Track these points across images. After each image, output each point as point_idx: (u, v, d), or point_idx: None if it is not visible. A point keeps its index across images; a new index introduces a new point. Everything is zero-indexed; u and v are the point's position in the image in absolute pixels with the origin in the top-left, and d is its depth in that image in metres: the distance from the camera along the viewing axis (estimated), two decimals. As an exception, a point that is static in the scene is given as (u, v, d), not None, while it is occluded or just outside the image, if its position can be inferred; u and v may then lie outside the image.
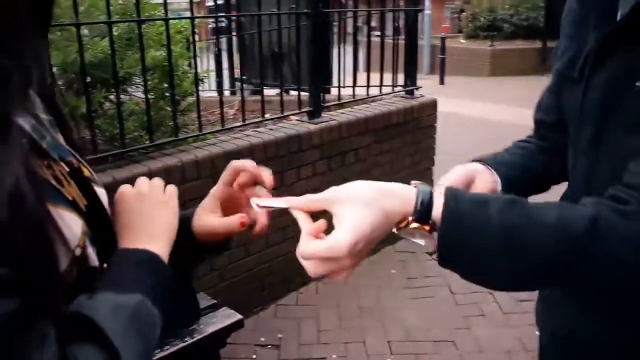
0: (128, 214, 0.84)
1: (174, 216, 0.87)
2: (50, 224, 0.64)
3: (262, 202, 0.88)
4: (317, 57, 3.43)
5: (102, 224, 0.84)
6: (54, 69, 2.93)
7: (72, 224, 0.70)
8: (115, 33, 2.83)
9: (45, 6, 0.79)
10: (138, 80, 3.22)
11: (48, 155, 0.72)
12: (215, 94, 6.69)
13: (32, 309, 0.58)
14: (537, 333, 1.25)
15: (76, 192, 0.75)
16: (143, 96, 3.27)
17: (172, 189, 0.92)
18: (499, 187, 1.10)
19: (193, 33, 2.78)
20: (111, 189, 0.88)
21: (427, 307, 3.42)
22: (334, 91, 5.09)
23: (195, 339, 2.13)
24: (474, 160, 1.15)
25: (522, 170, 1.17)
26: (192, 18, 2.76)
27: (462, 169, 1.11)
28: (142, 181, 0.90)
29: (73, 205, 0.72)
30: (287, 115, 3.53)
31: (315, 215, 0.83)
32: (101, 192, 0.86)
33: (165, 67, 2.86)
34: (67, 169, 0.75)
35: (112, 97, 3.10)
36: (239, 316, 2.30)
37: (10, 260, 0.58)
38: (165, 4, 2.64)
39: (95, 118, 2.75)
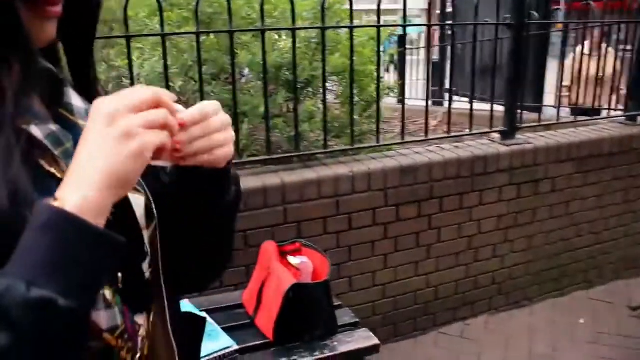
0: (80, 142, 0.63)
1: (134, 157, 0.61)
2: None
3: None
4: (515, 73, 3.12)
5: (129, 232, 0.81)
6: (246, 70, 3.10)
7: None
8: (304, 35, 2.89)
9: (88, 20, 0.82)
10: (328, 84, 3.26)
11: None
12: (418, 102, 6.63)
13: None
14: None
15: None
16: (330, 100, 3.32)
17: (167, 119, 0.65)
18: None
19: (378, 42, 2.71)
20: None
21: (616, 371, 2.93)
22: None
23: (324, 355, 2.08)
24: None
25: None
26: (378, 27, 2.68)
27: None
28: (139, 93, 0.64)
29: None
30: (476, 134, 3.28)
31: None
32: (135, 199, 0.83)
33: (354, 72, 2.84)
34: None
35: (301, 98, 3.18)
36: (376, 340, 2.19)
37: None
38: (351, 11, 2.60)
39: (275, 118, 2.84)
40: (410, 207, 2.92)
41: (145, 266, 0.84)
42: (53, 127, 0.73)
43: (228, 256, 1.03)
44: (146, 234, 0.84)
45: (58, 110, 0.79)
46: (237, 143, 2.61)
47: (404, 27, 2.78)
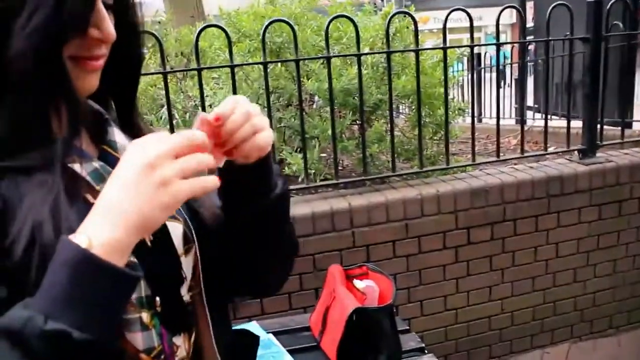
0: (111, 179, 0.68)
1: (166, 207, 0.66)
2: None
3: None
4: (593, 88, 3.00)
5: (167, 258, 0.87)
6: (315, 97, 3.16)
7: None
8: (371, 60, 2.93)
9: (132, 68, 0.91)
10: (400, 107, 3.28)
11: None
12: (507, 122, 6.51)
13: None
14: None
15: None
16: (400, 123, 3.32)
17: (210, 178, 0.70)
18: None
19: (445, 64, 2.69)
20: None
21: None
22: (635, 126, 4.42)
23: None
24: None
25: None
26: (444, 48, 2.67)
27: None
28: (174, 140, 0.69)
29: None
30: (551, 153, 3.16)
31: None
32: (174, 227, 0.89)
33: (423, 95, 2.83)
34: None
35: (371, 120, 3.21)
36: (441, 368, 2.15)
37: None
38: (416, 34, 2.60)
39: (346, 140, 2.88)
40: (482, 229, 2.85)
41: (183, 290, 0.89)
42: (96, 164, 0.81)
43: (290, 256, 1.05)
44: (184, 260, 0.90)
45: (103, 147, 0.86)
46: (306, 168, 2.67)
47: (472, 47, 2.75)
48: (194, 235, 0.92)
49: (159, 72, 2.42)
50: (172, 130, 2.56)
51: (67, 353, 0.61)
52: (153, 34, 2.39)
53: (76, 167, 0.78)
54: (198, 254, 0.92)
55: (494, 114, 6.04)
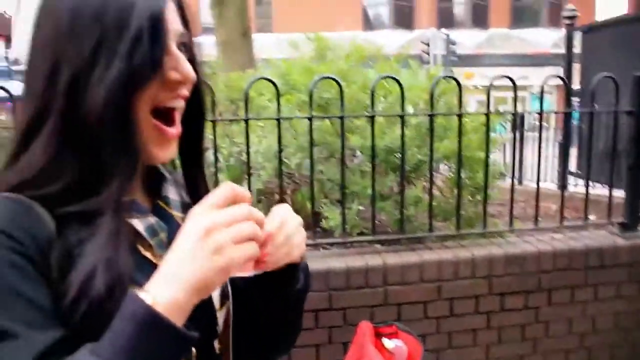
0: (172, 248, 0.72)
1: (221, 271, 0.70)
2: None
3: None
4: (637, 161, 2.97)
5: (204, 311, 0.88)
6: (358, 152, 3.22)
7: None
8: (416, 121, 2.98)
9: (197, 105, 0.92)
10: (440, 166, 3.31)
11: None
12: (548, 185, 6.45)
13: None
14: None
15: None
16: (439, 183, 3.34)
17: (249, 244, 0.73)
18: None
19: (487, 128, 2.72)
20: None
21: None
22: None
23: None
24: None
25: None
26: (487, 114, 2.71)
27: None
28: (233, 212, 0.73)
29: None
30: (589, 225, 3.13)
31: None
32: None
33: (464, 157, 2.86)
34: None
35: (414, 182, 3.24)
36: None
37: None
38: (460, 98, 2.65)
39: (382, 200, 2.91)
40: (515, 297, 2.82)
41: (215, 343, 0.93)
42: (152, 219, 0.86)
43: (295, 335, 1.10)
44: (220, 314, 0.94)
45: (157, 202, 0.92)
46: (344, 222, 2.70)
47: (514, 114, 2.78)
48: (230, 291, 0.97)
49: (209, 120, 2.51)
50: (215, 174, 2.64)
51: None
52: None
53: (134, 222, 0.83)
54: (231, 310, 0.97)
55: (535, 177, 5.99)
